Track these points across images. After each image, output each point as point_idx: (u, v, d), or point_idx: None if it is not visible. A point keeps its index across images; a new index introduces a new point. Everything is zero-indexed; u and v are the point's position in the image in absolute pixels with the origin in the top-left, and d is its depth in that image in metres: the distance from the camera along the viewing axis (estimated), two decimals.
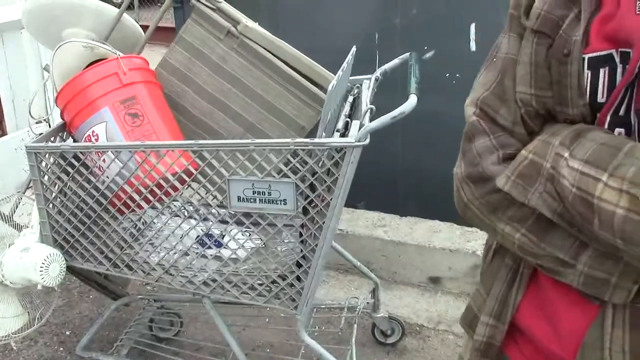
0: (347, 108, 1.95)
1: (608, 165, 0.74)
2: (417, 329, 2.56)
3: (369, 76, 2.11)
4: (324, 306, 2.45)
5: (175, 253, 1.85)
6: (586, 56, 0.80)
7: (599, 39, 0.80)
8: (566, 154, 0.78)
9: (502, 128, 0.88)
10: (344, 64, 1.78)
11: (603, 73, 0.80)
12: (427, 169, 2.87)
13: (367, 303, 2.38)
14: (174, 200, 1.86)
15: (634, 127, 0.79)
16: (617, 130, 0.80)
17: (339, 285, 2.85)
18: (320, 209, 1.64)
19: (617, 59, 0.78)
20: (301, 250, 1.74)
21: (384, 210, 3.03)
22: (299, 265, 1.75)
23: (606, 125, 0.80)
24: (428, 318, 2.61)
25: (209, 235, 1.82)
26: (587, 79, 0.81)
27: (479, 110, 0.91)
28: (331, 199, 1.61)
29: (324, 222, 1.64)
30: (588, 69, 0.80)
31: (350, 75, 2.09)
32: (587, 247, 0.79)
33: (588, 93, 0.81)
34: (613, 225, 0.72)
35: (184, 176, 1.73)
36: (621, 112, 0.79)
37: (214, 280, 1.83)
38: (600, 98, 0.80)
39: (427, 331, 2.54)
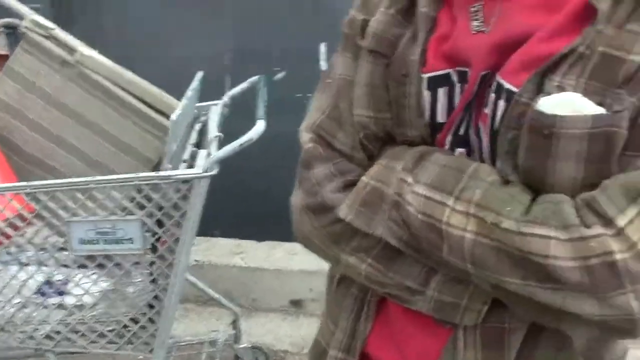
0: (194, 136, 1.89)
1: (453, 188, 0.73)
2: (282, 355, 2.52)
3: (217, 102, 2.06)
4: (184, 343, 2.33)
5: (11, 307, 1.68)
6: (424, 76, 0.78)
7: (437, 58, 0.78)
8: (410, 179, 0.76)
9: (341, 153, 0.84)
10: (188, 91, 1.73)
11: (442, 93, 0.79)
12: (282, 191, 2.82)
13: (229, 335, 2.32)
14: (6, 248, 1.69)
15: (473, 146, 0.78)
16: (458, 150, 0.79)
17: (199, 318, 2.75)
18: (170, 245, 1.56)
19: (455, 78, 0.78)
20: (152, 290, 1.64)
21: (241, 236, 2.98)
22: (151, 306, 1.65)
23: (447, 146, 0.79)
24: (292, 343, 2.58)
25: (49, 283, 1.67)
26: (426, 99, 0.79)
27: (315, 136, 0.86)
28: (181, 235, 1.54)
29: (174, 259, 1.57)
30: (427, 89, 0.79)
31: (199, 102, 2.03)
32: (436, 272, 0.78)
33: (427, 113, 0.79)
34: (463, 250, 0.71)
35: (18, 222, 1.58)
36: (461, 132, 0.78)
37: (58, 332, 1.68)
38: (440, 118, 0.79)
39: (292, 357, 2.51)
